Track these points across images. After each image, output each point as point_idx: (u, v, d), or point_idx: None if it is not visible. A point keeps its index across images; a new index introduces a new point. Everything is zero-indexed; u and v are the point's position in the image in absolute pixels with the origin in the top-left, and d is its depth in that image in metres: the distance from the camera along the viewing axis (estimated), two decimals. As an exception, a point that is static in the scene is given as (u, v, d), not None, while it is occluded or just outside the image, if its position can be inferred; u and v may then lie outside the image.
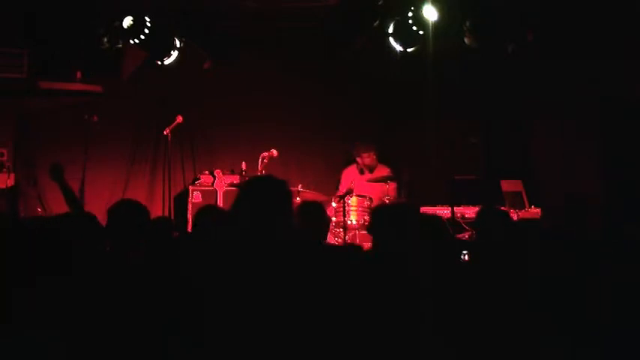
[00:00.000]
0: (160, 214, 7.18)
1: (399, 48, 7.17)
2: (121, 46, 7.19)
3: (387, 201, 6.85)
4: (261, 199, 2.60)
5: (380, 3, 7.12)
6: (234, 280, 2.42)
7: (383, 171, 7.43)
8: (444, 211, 6.69)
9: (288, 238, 2.58)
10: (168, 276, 2.76)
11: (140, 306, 2.64)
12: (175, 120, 7.03)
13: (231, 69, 7.87)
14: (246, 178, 6.52)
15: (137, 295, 2.68)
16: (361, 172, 7.58)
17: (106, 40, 7.05)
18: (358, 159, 7.54)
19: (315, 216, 3.71)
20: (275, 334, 2.33)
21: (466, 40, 6.89)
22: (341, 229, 6.72)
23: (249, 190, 2.70)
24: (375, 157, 7.50)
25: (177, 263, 2.88)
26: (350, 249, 3.71)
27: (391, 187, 7.08)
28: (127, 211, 3.32)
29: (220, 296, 2.40)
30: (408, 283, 2.71)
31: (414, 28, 6.96)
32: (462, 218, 6.69)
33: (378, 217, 3.17)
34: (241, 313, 2.35)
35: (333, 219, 6.82)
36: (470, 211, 6.83)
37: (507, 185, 6.91)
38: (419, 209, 6.92)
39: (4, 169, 7.13)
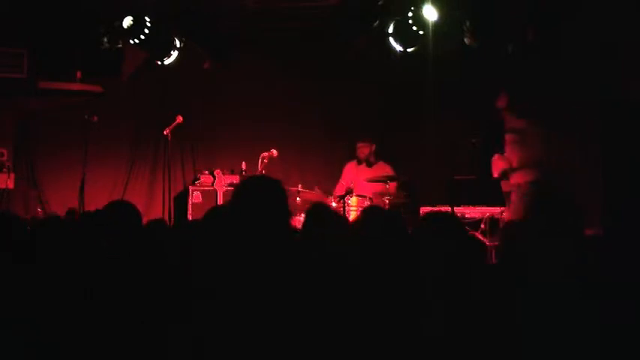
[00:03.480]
0: (160, 214, 7.19)
1: (399, 48, 7.16)
2: (121, 46, 7.19)
3: (387, 201, 6.85)
4: (255, 198, 2.60)
5: (380, 3, 7.12)
6: (230, 278, 2.42)
7: (384, 168, 7.43)
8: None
9: (284, 238, 2.58)
10: (163, 275, 2.76)
11: (134, 302, 2.65)
12: (175, 120, 7.02)
13: (232, 69, 7.87)
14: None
15: (132, 291, 2.69)
16: (358, 162, 7.58)
17: (106, 40, 7.05)
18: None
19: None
20: (273, 333, 2.33)
21: (466, 40, 6.88)
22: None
23: (243, 190, 2.70)
24: (367, 149, 7.50)
25: (172, 262, 2.88)
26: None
27: (392, 186, 7.08)
28: (117, 214, 3.31)
29: (216, 295, 2.40)
30: (412, 281, 2.72)
31: (414, 28, 6.95)
32: (461, 218, 6.69)
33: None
34: (237, 313, 2.35)
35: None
36: (470, 211, 6.83)
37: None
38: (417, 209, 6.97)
39: (4, 169, 7.14)
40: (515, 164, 6.47)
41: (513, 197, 6.52)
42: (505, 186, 6.88)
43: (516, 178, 6.49)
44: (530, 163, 6.31)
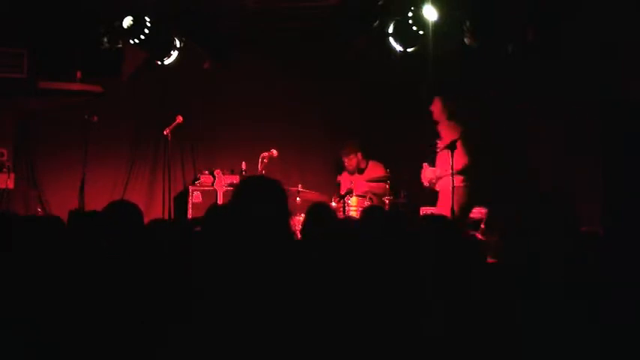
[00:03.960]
0: (160, 214, 7.19)
1: (399, 48, 7.16)
2: (121, 46, 7.19)
3: (387, 201, 6.85)
4: (254, 199, 2.60)
5: (380, 3, 7.12)
6: (230, 279, 2.42)
7: (377, 168, 7.41)
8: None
9: (283, 238, 2.58)
10: (163, 275, 2.76)
11: (134, 302, 2.65)
12: (175, 120, 7.03)
13: (232, 69, 7.87)
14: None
15: (132, 291, 2.70)
16: (351, 173, 7.57)
17: (106, 40, 7.05)
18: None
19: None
20: (273, 333, 2.33)
21: (466, 40, 6.88)
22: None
23: (242, 190, 2.70)
24: (355, 160, 7.48)
25: (172, 262, 2.88)
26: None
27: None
28: (119, 214, 3.32)
29: (212, 295, 2.40)
30: (409, 280, 2.72)
31: (414, 28, 6.95)
32: (462, 218, 6.69)
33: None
34: (237, 313, 2.35)
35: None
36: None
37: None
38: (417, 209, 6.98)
39: (4, 169, 7.14)
40: (442, 172, 6.62)
41: (441, 197, 6.65)
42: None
43: (443, 184, 6.62)
44: (460, 169, 6.49)
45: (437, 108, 6.78)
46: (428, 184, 6.76)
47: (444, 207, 6.42)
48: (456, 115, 6.73)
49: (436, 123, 6.81)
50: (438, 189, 6.71)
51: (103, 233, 3.25)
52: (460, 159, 6.35)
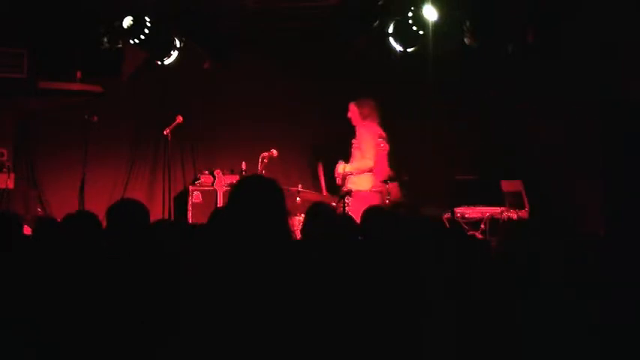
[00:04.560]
0: (160, 214, 7.18)
1: (399, 48, 7.16)
2: (121, 46, 7.19)
3: (388, 201, 6.85)
4: (252, 199, 2.60)
5: (380, 3, 7.12)
6: (230, 279, 2.42)
7: None
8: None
9: (282, 237, 2.57)
10: (163, 275, 2.76)
11: (134, 302, 2.66)
12: (175, 120, 7.02)
13: (232, 69, 7.87)
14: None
15: (133, 291, 2.70)
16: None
17: (106, 40, 7.05)
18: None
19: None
20: (273, 334, 2.33)
21: (466, 40, 6.88)
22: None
23: (239, 190, 2.69)
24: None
25: (170, 263, 2.87)
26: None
27: (392, 186, 7.06)
28: (126, 211, 3.31)
29: (212, 295, 2.40)
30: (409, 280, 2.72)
31: (414, 28, 6.95)
32: (461, 218, 6.69)
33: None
34: (237, 313, 2.35)
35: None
36: (470, 211, 6.83)
37: (507, 185, 6.92)
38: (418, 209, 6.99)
39: (4, 169, 7.14)
40: (353, 171, 6.88)
41: (353, 201, 6.74)
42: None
43: (357, 185, 6.81)
44: (369, 170, 6.77)
45: (353, 113, 7.01)
46: (340, 181, 7.01)
47: (355, 212, 6.46)
48: (369, 117, 6.93)
49: (354, 126, 7.01)
50: (350, 188, 6.82)
51: (104, 233, 3.25)
52: (367, 158, 6.71)
